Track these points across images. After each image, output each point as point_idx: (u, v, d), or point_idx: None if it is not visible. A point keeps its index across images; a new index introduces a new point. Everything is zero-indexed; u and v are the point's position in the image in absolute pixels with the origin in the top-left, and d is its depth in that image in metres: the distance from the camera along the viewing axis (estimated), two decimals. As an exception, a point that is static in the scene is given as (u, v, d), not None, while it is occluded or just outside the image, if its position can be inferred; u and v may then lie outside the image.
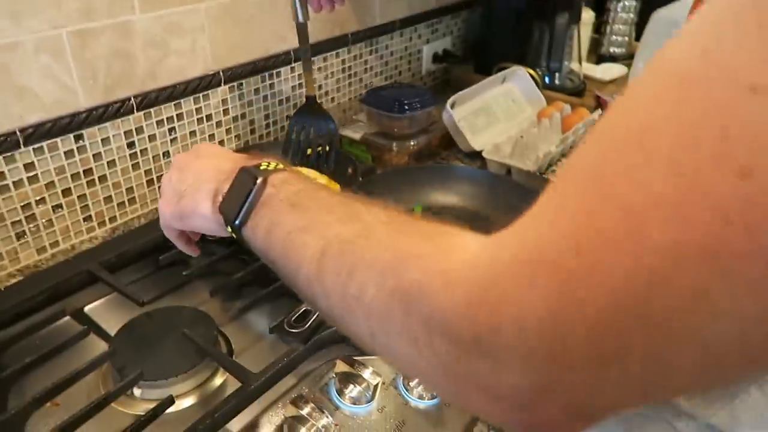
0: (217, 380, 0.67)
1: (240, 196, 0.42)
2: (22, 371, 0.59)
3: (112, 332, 0.71)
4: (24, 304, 0.69)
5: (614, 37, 1.65)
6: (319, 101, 1.17)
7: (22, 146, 0.75)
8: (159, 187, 0.95)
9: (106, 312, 0.76)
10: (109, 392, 0.58)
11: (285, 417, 0.56)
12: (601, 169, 0.22)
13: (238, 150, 0.98)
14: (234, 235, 0.44)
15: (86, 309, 0.76)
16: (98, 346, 0.71)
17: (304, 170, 0.88)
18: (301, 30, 0.88)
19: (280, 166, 0.45)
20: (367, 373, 0.60)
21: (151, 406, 0.63)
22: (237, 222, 0.42)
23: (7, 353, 0.64)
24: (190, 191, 0.48)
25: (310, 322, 0.50)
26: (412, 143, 1.08)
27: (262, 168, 0.43)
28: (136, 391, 0.64)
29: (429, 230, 0.31)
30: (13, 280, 0.78)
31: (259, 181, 0.41)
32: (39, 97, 0.75)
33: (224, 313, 0.76)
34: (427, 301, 0.26)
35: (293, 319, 0.50)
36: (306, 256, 0.35)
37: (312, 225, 0.37)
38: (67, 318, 0.72)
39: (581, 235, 0.22)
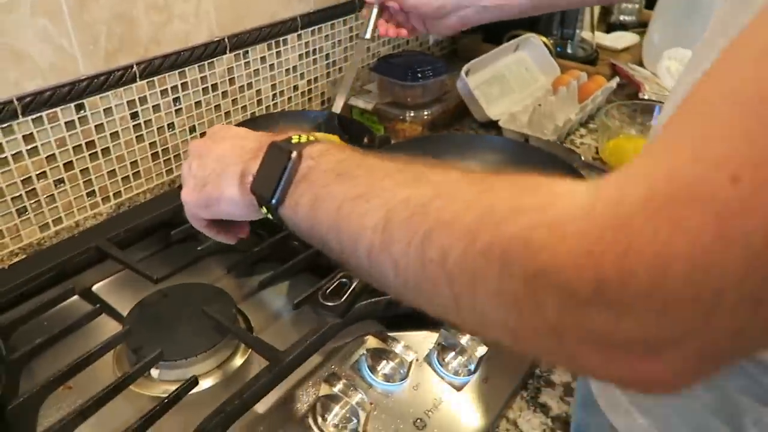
0: (238, 359, 0.63)
1: (274, 174, 0.38)
2: (32, 353, 0.55)
3: (124, 311, 0.67)
4: (30, 283, 0.65)
5: (624, 5, 1.60)
6: (327, 71, 1.12)
7: (20, 116, 0.70)
8: (165, 161, 0.90)
9: (116, 290, 0.72)
10: (127, 374, 0.54)
11: (317, 396, 0.53)
12: (758, 90, 0.19)
13: (241, 124, 0.93)
14: (270, 216, 0.40)
15: (94, 288, 0.72)
16: (109, 326, 0.67)
17: (330, 136, 0.84)
18: (360, 49, 0.85)
19: (313, 138, 0.40)
20: (399, 349, 0.57)
21: (170, 387, 0.59)
22: (274, 201, 0.38)
23: (15, 335, 0.60)
24: (213, 176, 0.44)
25: (346, 295, 0.46)
26: (425, 113, 1.03)
27: (294, 141, 0.39)
28: (154, 372, 0.60)
29: (518, 182, 0.27)
30: (16, 259, 0.74)
31: (294, 154, 0.37)
32: (36, 62, 0.70)
33: (240, 290, 0.72)
34: (534, 255, 0.23)
35: (328, 291, 0.47)
36: (367, 227, 0.31)
37: (369, 192, 0.33)
38: (76, 297, 0.68)
39: (740, 160, 0.19)
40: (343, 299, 0.46)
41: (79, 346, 0.63)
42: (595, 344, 0.22)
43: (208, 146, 0.46)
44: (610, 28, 1.59)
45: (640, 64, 1.35)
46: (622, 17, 1.60)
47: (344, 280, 0.48)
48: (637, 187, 0.21)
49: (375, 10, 0.79)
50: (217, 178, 0.44)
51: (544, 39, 1.25)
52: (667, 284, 0.20)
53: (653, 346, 0.21)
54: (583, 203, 0.23)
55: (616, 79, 1.19)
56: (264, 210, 0.40)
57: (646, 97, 1.15)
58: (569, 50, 1.36)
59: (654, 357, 0.21)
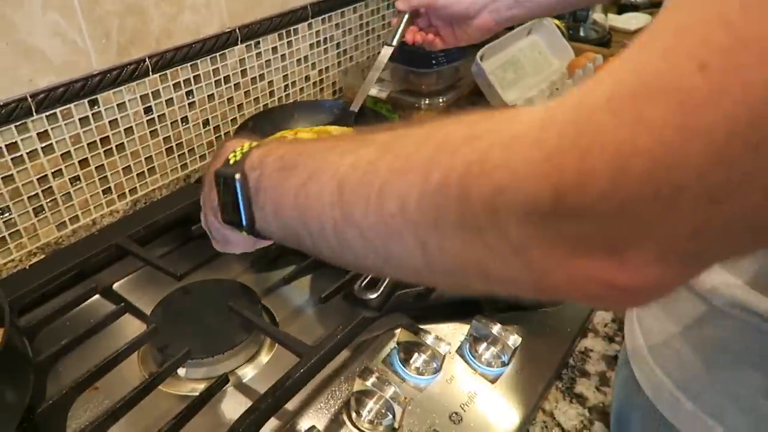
0: (264, 355, 0.62)
1: (230, 201, 0.38)
2: (58, 354, 0.55)
3: (146, 309, 0.66)
4: (51, 283, 0.64)
5: (635, -15, 1.57)
6: (338, 60, 1.10)
7: (34, 113, 0.69)
8: (179, 156, 0.89)
9: (137, 288, 0.71)
10: (156, 374, 0.53)
11: (350, 391, 0.52)
12: None
13: (255, 116, 0.92)
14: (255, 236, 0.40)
15: (115, 286, 0.71)
16: (132, 325, 0.66)
17: (331, 128, 0.83)
18: (385, 55, 0.82)
19: (251, 144, 0.40)
20: (431, 341, 0.56)
21: (197, 385, 0.59)
22: (245, 224, 0.38)
23: (39, 336, 0.59)
24: (214, 227, 0.46)
25: (382, 288, 0.45)
26: (441, 100, 1.01)
27: (231, 161, 0.39)
28: (180, 371, 0.59)
29: (472, 115, 0.26)
30: (35, 259, 0.73)
31: (237, 176, 0.37)
32: (49, 58, 0.69)
33: (263, 285, 0.71)
34: (490, 175, 0.22)
35: (363, 284, 0.46)
36: (324, 204, 0.30)
37: (317, 171, 0.32)
38: (97, 296, 0.67)
39: (709, 47, 0.18)
40: (379, 292, 0.45)
41: (103, 345, 0.62)
42: (561, 258, 0.22)
43: (205, 195, 0.46)
44: (622, 9, 1.56)
45: (655, 44, 1.32)
46: (633, -3, 1.57)
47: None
48: (601, 85, 0.20)
49: (406, 18, 0.77)
50: (211, 226, 0.46)
51: (557, 22, 1.23)
52: (626, 182, 0.19)
53: (614, 249, 0.20)
54: (543, 115, 0.22)
55: (633, 61, 1.17)
56: (244, 233, 0.40)
57: (664, 79, 1.12)
58: (581, 33, 1.34)
59: (616, 262, 0.21)
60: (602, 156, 0.19)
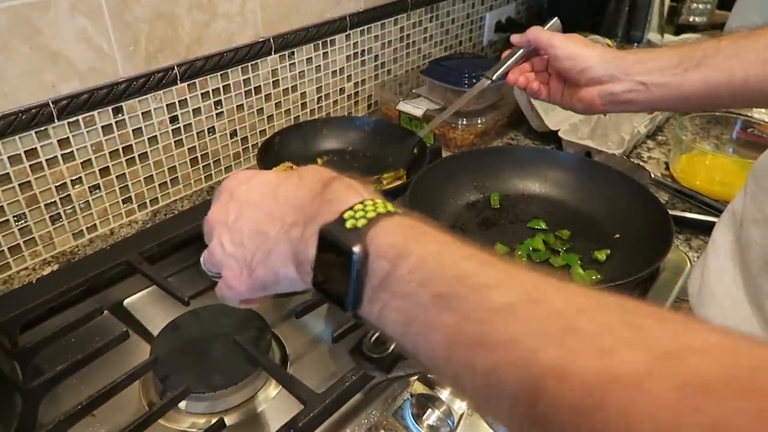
0: (271, 391, 0.59)
1: (338, 276, 0.30)
2: (53, 381, 0.52)
3: (154, 328, 0.64)
4: (58, 299, 0.62)
5: (694, 5, 1.49)
6: (375, 73, 1.07)
7: (56, 120, 0.67)
8: (204, 167, 0.86)
9: (147, 306, 0.69)
10: (154, 409, 0.50)
11: (355, 449, 0.47)
12: None
13: (285, 129, 0.88)
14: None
15: (125, 302, 0.69)
16: (137, 344, 0.64)
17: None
18: (478, 87, 0.73)
19: (376, 205, 0.31)
20: (446, 397, 0.51)
21: (197, 420, 0.56)
22: (349, 307, 0.31)
23: (42, 354, 0.56)
24: (259, 258, 0.37)
25: (392, 348, 0.41)
26: (479, 121, 0.96)
27: (349, 224, 0.31)
28: (181, 404, 0.56)
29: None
30: (48, 268, 0.71)
31: (356, 253, 0.29)
32: (74, 64, 0.67)
33: (276, 313, 0.68)
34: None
35: (372, 339, 0.41)
36: (506, 393, 0.24)
37: (491, 335, 0.25)
38: (106, 312, 0.64)
39: None
40: (390, 350, 0.41)
41: (105, 366, 0.59)
42: None
43: (234, 217, 0.38)
44: (679, 29, 1.48)
45: (714, 70, 1.24)
46: (692, 18, 1.49)
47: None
48: None
49: (518, 54, 0.67)
50: (265, 259, 0.36)
51: (608, 41, 1.16)
52: None
53: None
54: None
55: (689, 88, 1.09)
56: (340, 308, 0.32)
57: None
58: (635, 54, 1.27)
59: None
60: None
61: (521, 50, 0.67)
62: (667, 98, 0.58)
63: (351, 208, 0.31)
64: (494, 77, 0.69)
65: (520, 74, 0.67)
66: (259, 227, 0.36)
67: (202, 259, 0.41)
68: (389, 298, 0.29)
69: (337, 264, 0.30)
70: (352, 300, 0.30)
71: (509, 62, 0.68)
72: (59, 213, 0.72)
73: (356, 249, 0.29)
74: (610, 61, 0.59)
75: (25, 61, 0.63)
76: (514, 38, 0.68)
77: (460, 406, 0.50)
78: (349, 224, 0.30)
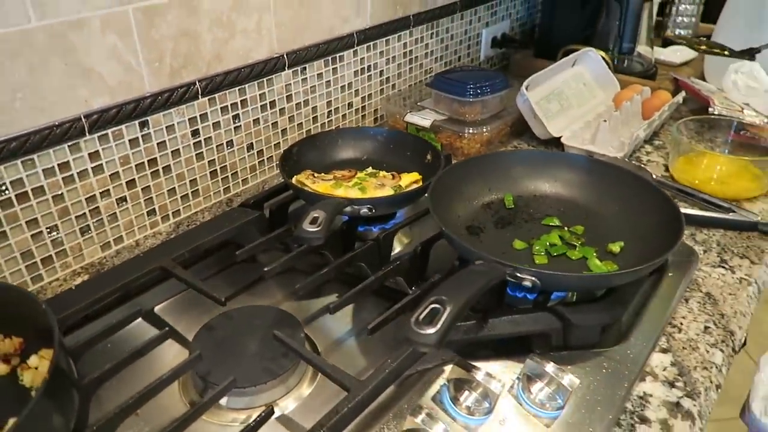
0: (306, 387, 0.60)
1: None
2: (102, 378, 0.53)
3: (187, 333, 0.65)
4: (96, 304, 0.63)
5: (680, 18, 1.55)
6: (381, 88, 1.10)
7: (87, 134, 0.70)
8: (222, 179, 0.89)
9: (179, 311, 0.70)
10: (199, 404, 0.51)
11: (401, 429, 0.49)
12: None
13: (300, 141, 0.91)
14: None
15: (156, 309, 0.70)
16: (172, 348, 0.65)
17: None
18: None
19: None
20: (482, 378, 0.53)
21: (238, 415, 0.57)
22: None
23: (82, 359, 0.58)
24: None
25: (441, 323, 0.43)
26: (484, 130, 1.00)
27: None
28: (222, 400, 0.57)
29: None
30: (79, 279, 0.72)
31: None
32: (105, 79, 0.70)
33: (305, 313, 0.70)
34: None
35: (421, 318, 0.44)
36: None
37: None
38: (139, 319, 0.66)
39: None
40: (438, 327, 0.43)
41: (143, 368, 0.61)
42: None
43: None
44: (666, 42, 1.54)
45: (701, 78, 1.30)
46: (677, 31, 1.55)
47: (437, 306, 0.45)
48: None
49: None
50: None
51: (603, 53, 1.21)
52: None
53: None
54: None
55: (682, 94, 1.14)
56: None
57: (716, 112, 1.09)
58: (625, 65, 1.32)
59: None
60: None
61: None
62: None
63: None
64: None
65: None
66: None
67: None
68: None
69: None
70: None
71: None
72: (88, 225, 0.74)
73: None
74: None
75: (61, 77, 0.66)
76: None
77: (496, 386, 0.52)
78: None
